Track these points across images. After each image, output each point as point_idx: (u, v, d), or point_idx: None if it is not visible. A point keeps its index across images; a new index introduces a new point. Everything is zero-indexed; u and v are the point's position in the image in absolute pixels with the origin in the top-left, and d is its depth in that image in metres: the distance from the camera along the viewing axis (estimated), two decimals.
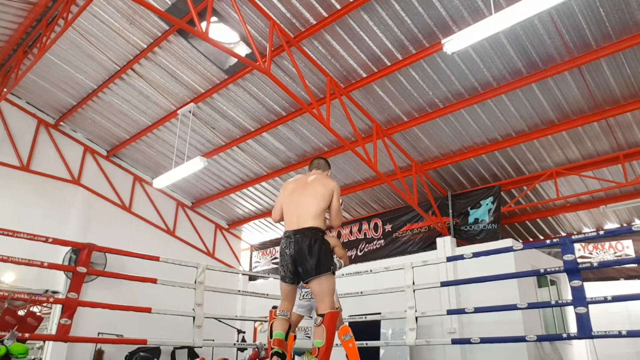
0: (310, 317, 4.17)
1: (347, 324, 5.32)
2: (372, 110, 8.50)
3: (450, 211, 9.61)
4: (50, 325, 9.07)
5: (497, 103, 7.82)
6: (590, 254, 10.08)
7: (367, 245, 10.82)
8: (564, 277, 8.37)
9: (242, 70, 8.22)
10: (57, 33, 7.02)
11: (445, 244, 9.18)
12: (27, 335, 5.01)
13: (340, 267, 4.83)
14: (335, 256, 4.72)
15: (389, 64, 7.54)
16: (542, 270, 6.12)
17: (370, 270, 7.09)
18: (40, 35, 7.87)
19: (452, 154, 9.12)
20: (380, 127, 8.64)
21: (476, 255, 6.13)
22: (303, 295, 5.15)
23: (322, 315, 3.52)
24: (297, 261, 3.61)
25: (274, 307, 4.06)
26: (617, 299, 5.13)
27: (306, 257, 3.55)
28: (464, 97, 7.83)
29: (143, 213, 11.53)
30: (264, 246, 13.18)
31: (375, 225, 10.82)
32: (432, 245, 9.54)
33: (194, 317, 6.10)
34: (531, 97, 7.58)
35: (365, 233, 10.97)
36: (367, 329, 7.99)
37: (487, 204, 9.24)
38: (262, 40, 7.45)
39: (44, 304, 9.43)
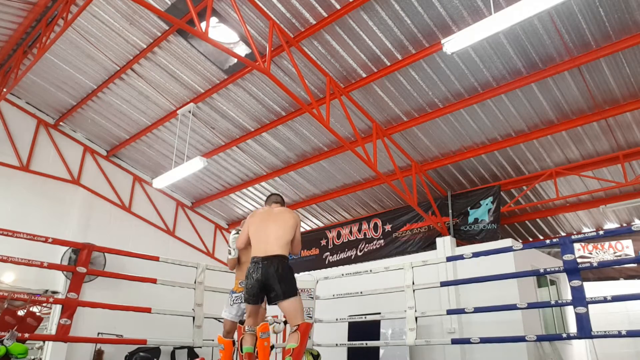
0: (241, 323, 4.50)
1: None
2: (371, 110, 8.50)
3: (450, 211, 9.61)
4: (50, 326, 9.07)
5: (497, 103, 7.82)
6: (590, 253, 10.08)
7: (367, 245, 10.82)
8: (563, 277, 8.36)
9: (242, 71, 8.22)
10: (56, 33, 7.01)
11: (445, 244, 9.17)
12: (26, 335, 5.02)
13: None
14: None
15: (388, 64, 7.54)
16: (541, 270, 6.12)
17: (370, 270, 7.09)
18: (40, 35, 7.87)
19: (451, 154, 9.12)
20: (380, 127, 8.64)
21: (476, 255, 6.14)
22: (233, 301, 5.01)
23: (297, 325, 3.90)
24: (264, 285, 3.94)
25: (241, 322, 4.45)
26: (616, 298, 5.13)
27: (273, 282, 3.90)
28: (464, 97, 7.83)
29: (143, 213, 11.53)
30: None
31: (375, 225, 10.82)
32: (431, 245, 9.53)
33: (193, 317, 6.10)
34: (531, 97, 7.58)
35: (365, 233, 10.97)
36: (367, 329, 8.00)
37: (486, 204, 9.24)
38: (262, 40, 7.45)
39: (44, 304, 9.43)
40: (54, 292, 9.11)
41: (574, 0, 6.03)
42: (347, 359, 8.39)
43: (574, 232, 10.27)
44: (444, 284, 6.76)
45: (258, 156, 10.37)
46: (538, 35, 6.59)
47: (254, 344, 4.08)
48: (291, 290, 3.96)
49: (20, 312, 7.60)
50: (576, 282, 5.12)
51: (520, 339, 5.92)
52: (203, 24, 6.13)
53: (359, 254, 10.87)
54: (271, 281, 3.91)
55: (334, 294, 7.30)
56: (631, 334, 5.03)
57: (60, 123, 10.57)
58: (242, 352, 4.07)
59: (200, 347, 6.69)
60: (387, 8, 6.68)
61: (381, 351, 8.20)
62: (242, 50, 7.70)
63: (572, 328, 8.27)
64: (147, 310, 5.89)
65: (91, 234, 9.93)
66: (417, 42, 7.08)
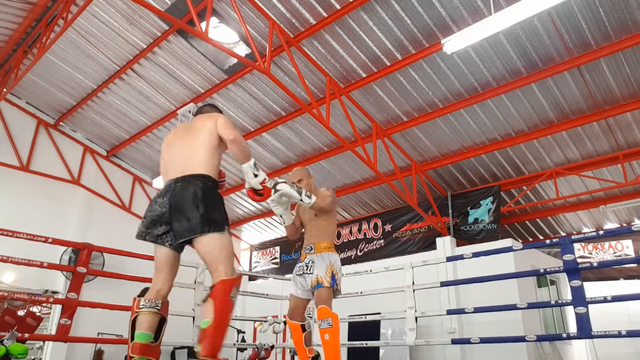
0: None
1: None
2: (371, 110, 8.50)
3: (450, 211, 9.61)
4: (50, 326, 9.07)
5: (497, 103, 7.83)
6: (590, 253, 10.08)
7: (367, 245, 10.82)
8: (563, 277, 8.36)
9: (242, 71, 8.22)
10: (56, 33, 7.01)
11: (445, 244, 9.17)
12: (26, 335, 5.01)
13: (308, 202, 3.65)
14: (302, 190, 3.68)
15: (388, 64, 7.54)
16: (541, 270, 6.10)
17: (370, 270, 7.08)
18: (40, 36, 7.87)
19: (451, 154, 9.12)
20: (380, 127, 8.64)
21: (476, 255, 6.13)
22: (296, 272, 4.01)
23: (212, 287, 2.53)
24: (170, 215, 2.77)
25: (143, 291, 2.85)
26: (616, 298, 5.12)
27: (188, 208, 2.63)
28: (464, 97, 7.83)
29: (143, 213, 11.47)
30: (263, 246, 13.18)
31: (375, 225, 10.82)
32: (431, 245, 9.54)
33: (193, 317, 6.09)
34: (531, 97, 7.58)
35: (365, 233, 10.97)
36: (367, 329, 8.00)
37: (486, 204, 9.24)
38: (262, 40, 7.45)
39: (44, 304, 9.43)
40: (54, 292, 9.10)
41: (574, 0, 6.03)
42: (347, 359, 8.39)
43: (574, 232, 10.27)
44: (444, 284, 6.75)
45: (258, 156, 10.36)
46: (538, 35, 6.59)
47: (154, 328, 2.64)
48: (215, 222, 2.60)
49: (20, 312, 7.60)
50: (576, 282, 5.12)
51: (520, 339, 5.91)
52: (203, 24, 6.13)
53: (359, 254, 10.87)
54: (181, 209, 2.65)
55: None
56: (631, 334, 5.03)
57: (60, 123, 10.57)
58: (131, 340, 2.55)
59: None
60: (387, 8, 6.68)
61: (381, 351, 8.20)
62: (242, 50, 7.70)
63: (572, 328, 8.27)
64: None
65: (91, 234, 9.91)
66: (417, 42, 7.08)
